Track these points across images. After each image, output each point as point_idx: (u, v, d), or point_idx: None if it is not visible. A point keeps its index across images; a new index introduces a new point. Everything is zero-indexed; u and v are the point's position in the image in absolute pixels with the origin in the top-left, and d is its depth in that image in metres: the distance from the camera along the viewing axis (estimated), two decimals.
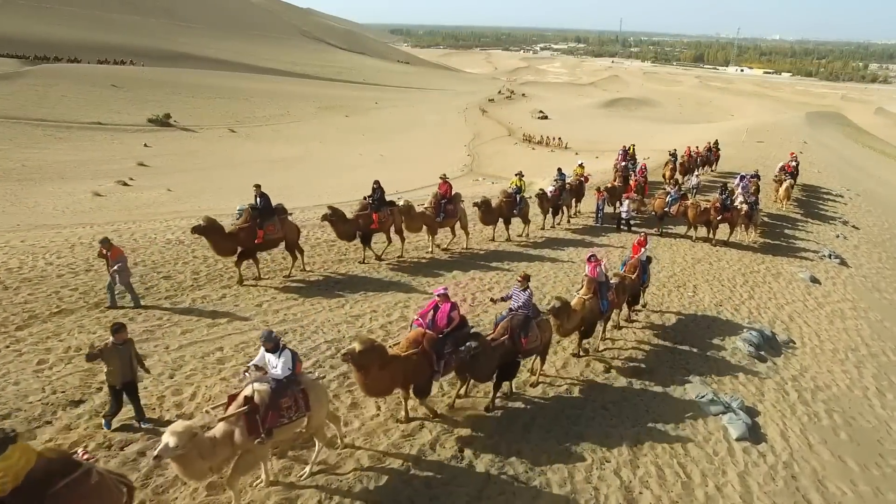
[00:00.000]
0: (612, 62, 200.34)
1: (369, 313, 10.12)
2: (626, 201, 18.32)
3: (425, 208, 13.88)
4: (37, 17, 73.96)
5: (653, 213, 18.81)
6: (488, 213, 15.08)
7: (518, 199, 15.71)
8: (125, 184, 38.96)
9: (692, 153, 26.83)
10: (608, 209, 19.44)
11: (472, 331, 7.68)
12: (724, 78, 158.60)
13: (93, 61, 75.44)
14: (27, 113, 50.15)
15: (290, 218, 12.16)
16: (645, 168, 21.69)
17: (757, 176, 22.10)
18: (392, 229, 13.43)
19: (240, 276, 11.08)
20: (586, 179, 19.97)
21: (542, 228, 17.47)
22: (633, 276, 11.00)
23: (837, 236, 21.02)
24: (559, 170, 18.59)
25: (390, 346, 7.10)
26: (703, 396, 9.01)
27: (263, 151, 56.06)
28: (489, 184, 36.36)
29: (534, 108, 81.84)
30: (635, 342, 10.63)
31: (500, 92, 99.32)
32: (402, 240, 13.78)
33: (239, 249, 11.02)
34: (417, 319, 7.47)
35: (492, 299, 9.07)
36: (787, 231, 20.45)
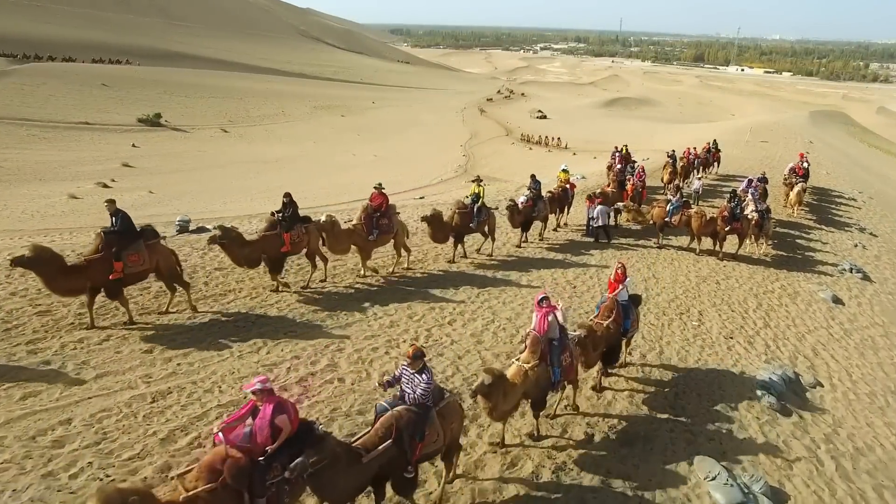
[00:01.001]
0: (613, 62, 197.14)
1: (289, 360, 7.85)
2: (599, 207, 15.45)
3: (353, 225, 11.36)
4: (30, 16, 72.06)
5: (651, 223, 16.33)
6: (439, 228, 12.50)
7: (476, 210, 13.01)
8: (105, 185, 36.85)
9: (691, 154, 24.41)
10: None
11: (319, 432, 5.00)
12: (725, 77, 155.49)
13: (87, 60, 73.55)
14: (11, 112, 48.10)
15: (162, 242, 9.38)
16: (643, 171, 19.19)
17: (764, 179, 19.68)
18: (313, 250, 10.79)
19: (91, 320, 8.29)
20: (572, 187, 17.25)
21: (519, 246, 14.78)
22: (609, 325, 8.16)
23: (856, 246, 18.62)
24: (533, 177, 15.77)
25: (172, 481, 4.53)
26: (714, 477, 6.72)
27: (255, 151, 54.15)
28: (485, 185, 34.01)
29: (533, 107, 79.85)
30: (627, 395, 8.32)
31: (499, 92, 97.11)
32: (325, 262, 11.15)
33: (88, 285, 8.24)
34: (217, 434, 4.68)
35: (379, 382, 5.85)
36: (800, 241, 18.07)
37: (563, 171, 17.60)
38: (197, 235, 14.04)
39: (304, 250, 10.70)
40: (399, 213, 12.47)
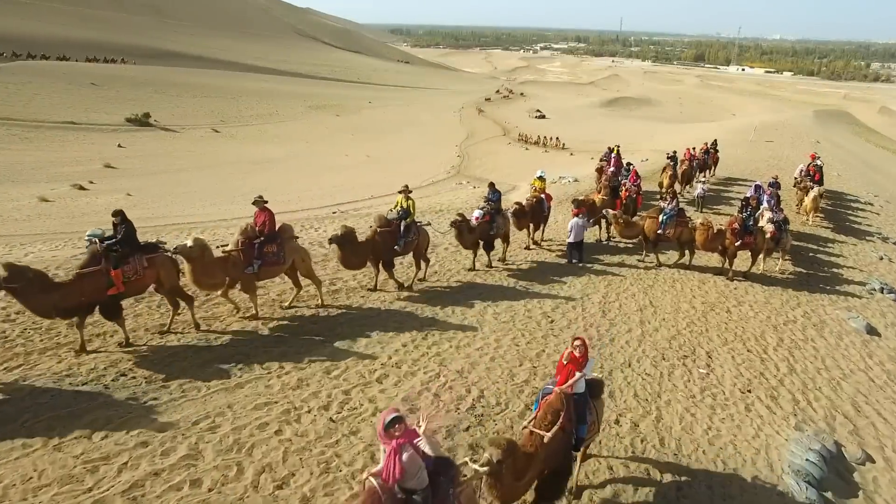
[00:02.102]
0: (613, 62, 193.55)
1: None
2: (573, 219, 12.65)
3: (228, 251, 8.54)
4: (21, 15, 69.83)
5: (642, 237, 13.61)
6: (353, 250, 9.68)
7: (403, 228, 10.28)
8: (82, 188, 34.61)
9: (692, 155, 21.75)
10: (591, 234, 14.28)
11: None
12: (725, 77, 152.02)
13: (81, 59, 71.55)
14: None
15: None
16: (636, 174, 16.43)
17: (776, 184, 17.02)
18: (168, 288, 8.03)
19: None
20: (549, 198, 14.17)
21: (472, 269, 11.88)
22: (547, 435, 5.00)
23: (881, 258, 16.04)
24: (491, 186, 12.87)
25: None
26: None
27: (245, 152, 52.04)
28: (472, 188, 31.53)
29: (532, 107, 77.62)
30: (610, 492, 5.83)
31: (497, 91, 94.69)
32: (190, 303, 8.26)
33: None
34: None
35: None
36: (819, 255, 15.50)
37: (539, 177, 14.67)
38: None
39: (153, 287, 7.99)
40: (298, 236, 9.79)
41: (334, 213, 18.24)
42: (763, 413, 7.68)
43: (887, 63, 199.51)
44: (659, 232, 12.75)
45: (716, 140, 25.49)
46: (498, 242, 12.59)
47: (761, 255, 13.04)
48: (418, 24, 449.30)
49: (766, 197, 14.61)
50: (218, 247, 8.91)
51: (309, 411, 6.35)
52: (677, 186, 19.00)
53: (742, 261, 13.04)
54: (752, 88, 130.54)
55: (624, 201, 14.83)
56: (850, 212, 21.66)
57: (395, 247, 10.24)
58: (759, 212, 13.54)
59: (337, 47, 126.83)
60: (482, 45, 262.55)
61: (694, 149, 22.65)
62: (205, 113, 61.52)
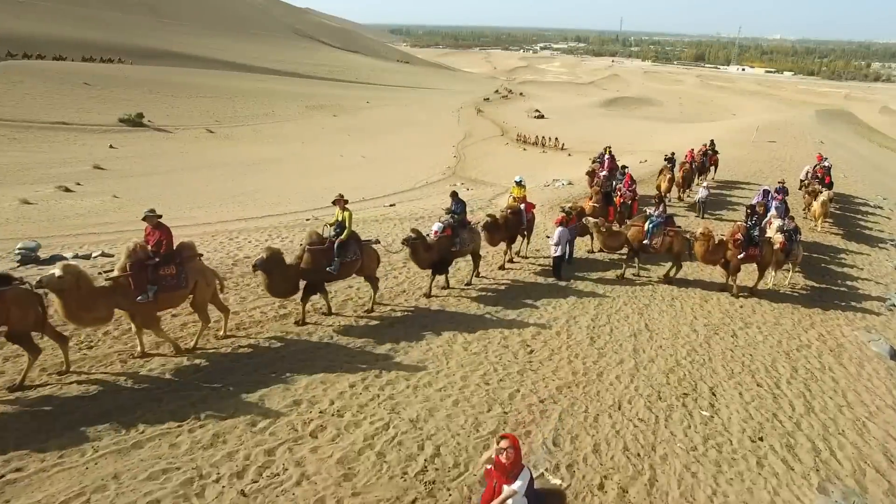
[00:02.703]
0: (613, 61, 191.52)
1: None
2: (558, 229, 11.02)
3: (113, 278, 6.91)
4: (16, 14, 68.57)
5: (628, 248, 11.98)
6: (280, 276, 8.10)
7: (336, 246, 8.61)
8: (67, 190, 33.42)
9: (694, 157, 20.31)
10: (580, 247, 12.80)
11: None
12: (726, 77, 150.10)
13: (77, 59, 70.43)
14: None
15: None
16: (631, 178, 14.90)
17: (784, 190, 15.60)
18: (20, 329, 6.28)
19: None
20: (529, 207, 12.34)
21: (428, 295, 10.03)
22: None
23: None
24: (454, 196, 11.00)
25: None
26: None
27: (240, 153, 50.88)
28: (466, 190, 30.17)
29: (531, 107, 76.40)
30: None
31: (496, 91, 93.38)
32: (62, 343, 6.73)
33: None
34: None
35: None
36: (831, 266, 14.11)
37: (518, 184, 12.87)
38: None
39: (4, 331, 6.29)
40: (203, 254, 8.16)
41: (308, 220, 16.92)
42: (779, 469, 6.33)
43: (888, 63, 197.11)
44: (645, 242, 11.31)
45: (713, 141, 23.84)
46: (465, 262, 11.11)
47: (770, 269, 11.67)
48: (418, 25, 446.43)
49: (774, 203, 13.21)
50: (100, 272, 7.50)
51: (217, 480, 5.04)
52: (677, 191, 17.62)
53: (748, 274, 11.67)
54: (752, 88, 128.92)
55: (618, 208, 13.35)
56: (859, 216, 20.26)
57: (329, 267, 8.46)
58: (767, 220, 12.17)
59: (335, 47, 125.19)
60: (482, 45, 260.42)
61: (694, 150, 21.25)
62: (199, 113, 60.43)
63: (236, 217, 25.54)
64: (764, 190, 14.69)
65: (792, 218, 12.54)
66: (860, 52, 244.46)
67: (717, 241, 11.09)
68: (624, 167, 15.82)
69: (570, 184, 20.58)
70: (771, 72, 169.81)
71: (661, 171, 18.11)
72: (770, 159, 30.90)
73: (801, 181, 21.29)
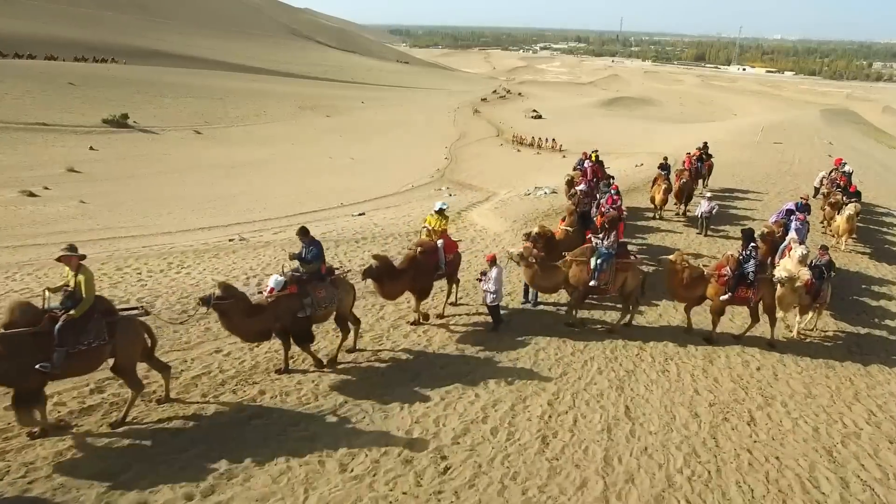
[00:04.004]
0: (613, 61, 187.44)
1: None
2: (493, 270, 8.21)
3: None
4: (5, 13, 66.02)
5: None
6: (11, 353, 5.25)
7: (58, 330, 5.57)
8: (32, 194, 30.88)
9: (692, 162, 17.14)
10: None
11: None
12: (727, 77, 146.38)
13: (69, 59, 68.07)
14: None
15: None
16: (618, 193, 11.76)
17: (807, 208, 12.54)
18: None
19: None
20: (451, 246, 8.97)
21: (282, 371, 7.13)
22: None
23: None
24: (303, 233, 7.55)
25: None
26: None
27: (226, 154, 48.43)
28: (449, 196, 27.15)
29: (528, 107, 73.60)
30: None
31: (494, 91, 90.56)
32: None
33: None
34: None
35: None
36: (863, 297, 11.32)
37: (436, 214, 9.26)
38: None
39: None
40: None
41: (231, 239, 14.10)
42: None
43: (889, 62, 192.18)
44: (592, 284, 8.28)
45: (706, 143, 20.32)
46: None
47: (794, 314, 8.74)
48: (418, 25, 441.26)
49: (794, 223, 10.14)
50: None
51: None
52: (675, 201, 14.57)
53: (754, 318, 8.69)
54: (753, 88, 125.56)
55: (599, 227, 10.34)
56: (884, 229, 17.35)
57: (41, 365, 5.36)
58: (786, 245, 9.22)
59: (332, 47, 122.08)
60: (482, 46, 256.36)
61: (692, 154, 18.04)
62: (188, 114, 58.06)
63: (199, 226, 22.91)
64: (787, 209, 11.49)
65: (825, 249, 9.47)
66: (861, 51, 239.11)
67: (693, 273, 8.08)
68: (610, 178, 12.69)
69: (553, 192, 17.63)
70: (772, 72, 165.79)
71: (654, 181, 15.09)
72: (777, 162, 27.96)
73: (816, 188, 18.32)
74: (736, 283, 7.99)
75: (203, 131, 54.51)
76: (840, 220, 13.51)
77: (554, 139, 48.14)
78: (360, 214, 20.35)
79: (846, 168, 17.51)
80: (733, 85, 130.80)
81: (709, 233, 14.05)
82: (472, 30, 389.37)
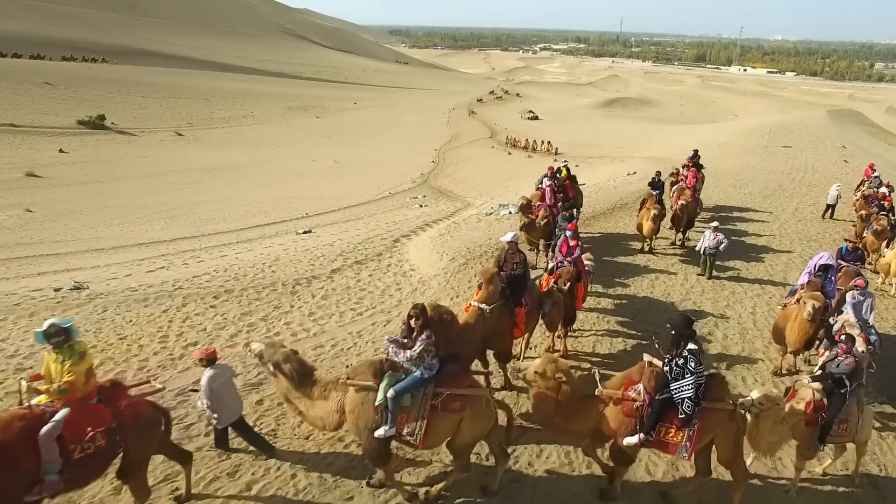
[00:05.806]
0: (613, 62, 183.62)
1: None
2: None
3: None
4: None
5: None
6: None
7: None
8: None
9: (696, 177, 13.69)
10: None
11: None
12: (727, 77, 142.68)
13: (56, 58, 65.37)
14: None
15: None
16: (576, 237, 7.90)
17: (859, 255, 9.10)
18: None
19: None
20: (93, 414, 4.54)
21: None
22: None
23: None
24: None
25: None
26: None
27: (205, 158, 45.52)
28: (419, 207, 23.87)
29: (525, 108, 70.55)
30: None
31: (491, 92, 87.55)
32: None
33: None
34: None
35: None
36: None
37: (53, 353, 4.48)
38: None
39: None
40: None
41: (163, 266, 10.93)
42: None
43: (891, 63, 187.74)
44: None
45: (697, 151, 16.48)
46: None
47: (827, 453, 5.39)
48: (418, 26, 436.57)
49: (852, 300, 6.07)
50: None
51: None
52: (680, 234, 11.14)
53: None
54: (754, 89, 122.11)
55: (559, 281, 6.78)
56: None
57: None
58: (838, 329, 5.85)
59: (326, 47, 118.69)
60: (481, 46, 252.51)
61: (693, 168, 14.39)
62: (171, 115, 55.13)
63: (163, 237, 19.87)
64: (822, 263, 7.17)
65: (851, 341, 5.47)
66: (863, 52, 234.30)
67: (574, 392, 4.62)
68: (572, 210, 8.97)
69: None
70: (773, 72, 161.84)
71: (643, 203, 11.58)
72: (789, 169, 24.70)
73: (829, 206, 15.07)
74: (655, 416, 4.59)
75: (185, 133, 51.58)
76: (891, 256, 10.14)
77: (549, 141, 44.95)
78: (306, 232, 17.16)
79: (881, 184, 14.02)
80: (734, 85, 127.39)
81: (713, 274, 10.80)
82: (472, 30, 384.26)
